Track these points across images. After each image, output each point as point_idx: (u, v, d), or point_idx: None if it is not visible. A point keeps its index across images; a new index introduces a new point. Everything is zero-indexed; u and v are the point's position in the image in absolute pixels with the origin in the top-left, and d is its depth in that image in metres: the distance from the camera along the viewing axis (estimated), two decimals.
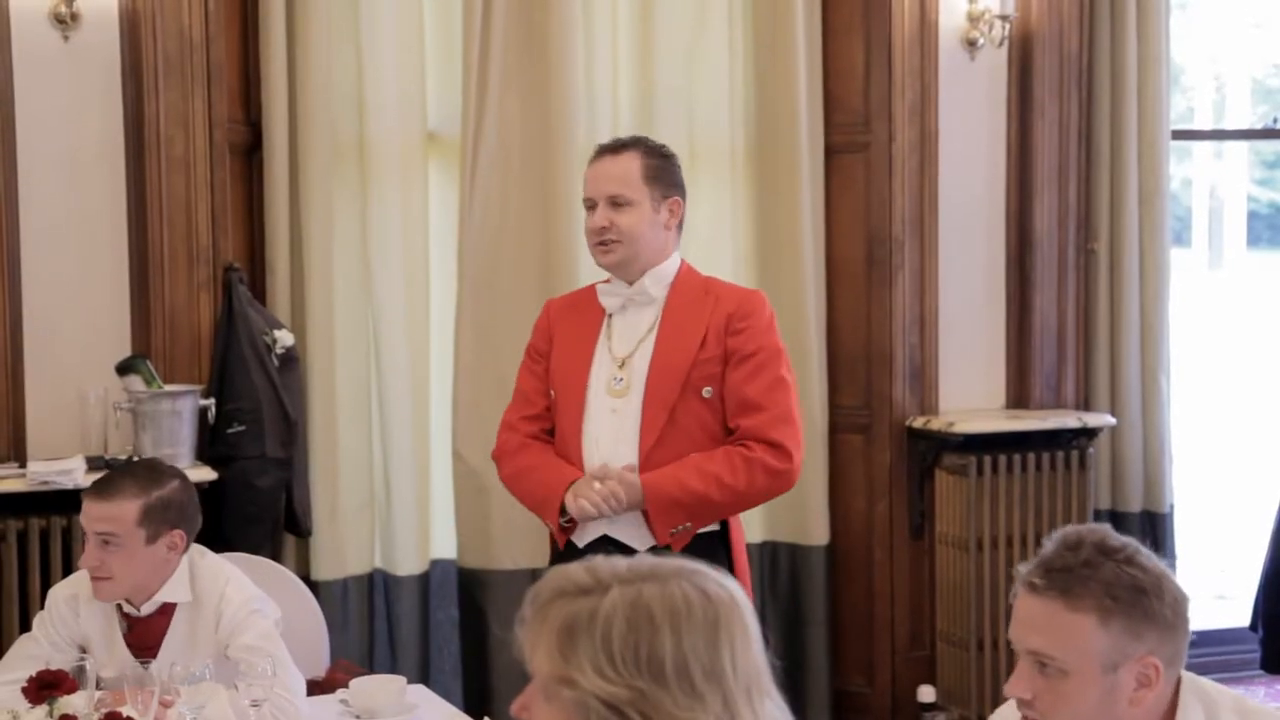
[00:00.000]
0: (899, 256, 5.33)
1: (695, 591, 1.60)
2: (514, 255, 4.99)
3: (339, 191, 4.90)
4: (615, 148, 3.48)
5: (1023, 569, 2.14)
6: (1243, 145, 7.07)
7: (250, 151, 4.86)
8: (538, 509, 3.49)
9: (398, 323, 5.00)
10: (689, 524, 3.33)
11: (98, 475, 4.23)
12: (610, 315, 3.49)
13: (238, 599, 3.17)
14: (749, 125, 5.32)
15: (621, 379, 3.41)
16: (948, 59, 5.35)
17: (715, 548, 3.36)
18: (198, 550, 3.26)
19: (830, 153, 5.38)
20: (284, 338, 4.61)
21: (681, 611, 1.58)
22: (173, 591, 3.17)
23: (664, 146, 3.54)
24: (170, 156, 4.54)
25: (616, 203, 3.40)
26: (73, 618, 3.20)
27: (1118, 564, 2.08)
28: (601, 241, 3.42)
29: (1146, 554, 2.12)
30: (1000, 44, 5.39)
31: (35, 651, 3.17)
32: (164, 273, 4.55)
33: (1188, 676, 2.18)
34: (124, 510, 3.09)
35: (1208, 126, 6.91)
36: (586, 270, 4.97)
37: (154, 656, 3.03)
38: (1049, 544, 2.15)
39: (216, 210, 4.60)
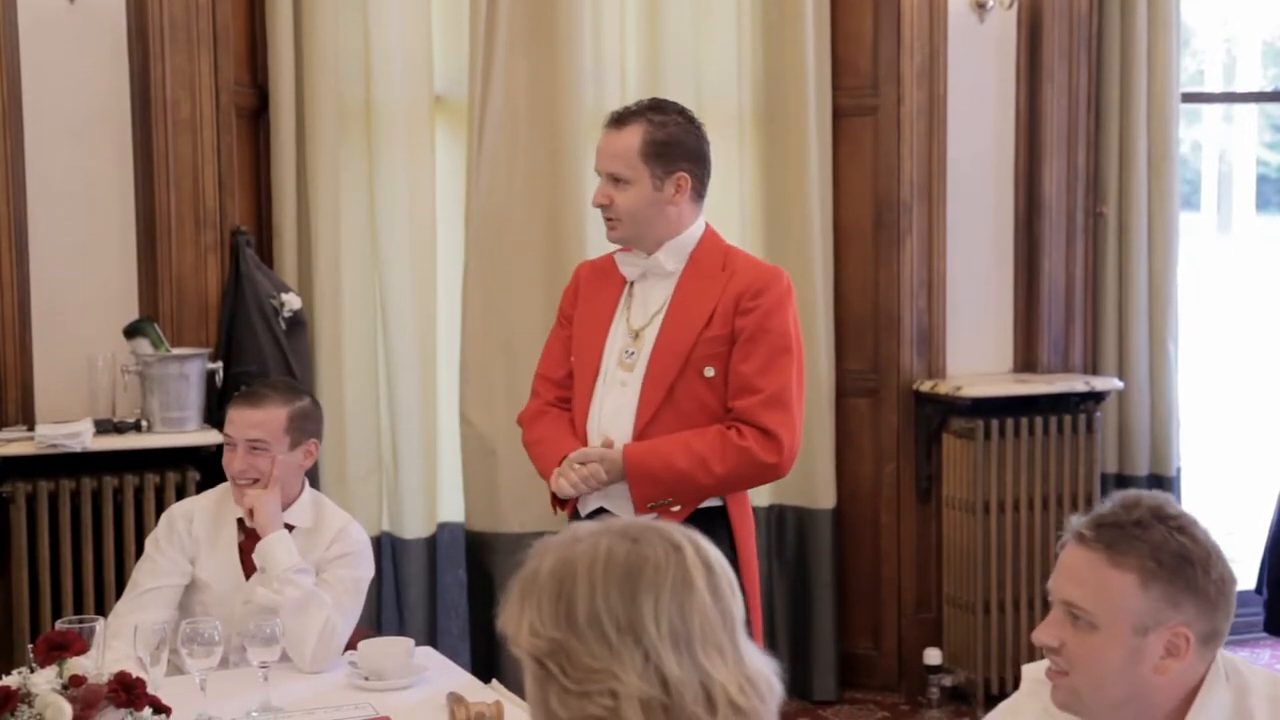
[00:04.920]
0: (907, 220, 5.32)
1: (623, 544, 1.59)
2: (521, 218, 4.99)
3: (346, 154, 4.89)
4: (620, 120, 3.36)
5: (1075, 521, 2.13)
6: (1253, 108, 7.03)
7: (257, 114, 4.85)
8: (545, 480, 3.47)
9: (405, 286, 4.99)
10: (673, 502, 3.27)
11: (105, 438, 4.28)
12: (631, 283, 3.44)
13: (356, 537, 3.46)
14: (757, 88, 5.31)
15: (633, 352, 3.37)
16: (957, 22, 5.33)
17: (714, 521, 3.30)
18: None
19: (838, 116, 5.36)
20: (291, 301, 4.62)
21: (599, 563, 1.57)
22: (295, 515, 3.42)
23: (676, 116, 3.37)
24: (177, 120, 4.53)
25: (615, 179, 3.33)
26: (186, 532, 3.42)
27: (1169, 530, 2.07)
28: (606, 218, 3.37)
29: (1203, 529, 2.10)
30: (1010, 6, 5.36)
31: (158, 564, 3.39)
32: (171, 236, 4.55)
33: (1225, 657, 2.15)
34: (273, 416, 3.38)
35: (1217, 89, 6.87)
36: (594, 233, 4.96)
37: None
38: (1106, 501, 2.14)
39: (223, 173, 4.60)
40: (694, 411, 3.31)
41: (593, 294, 3.47)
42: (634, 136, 3.32)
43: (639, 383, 3.34)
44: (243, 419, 3.40)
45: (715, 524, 3.30)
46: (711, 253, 3.39)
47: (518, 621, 1.59)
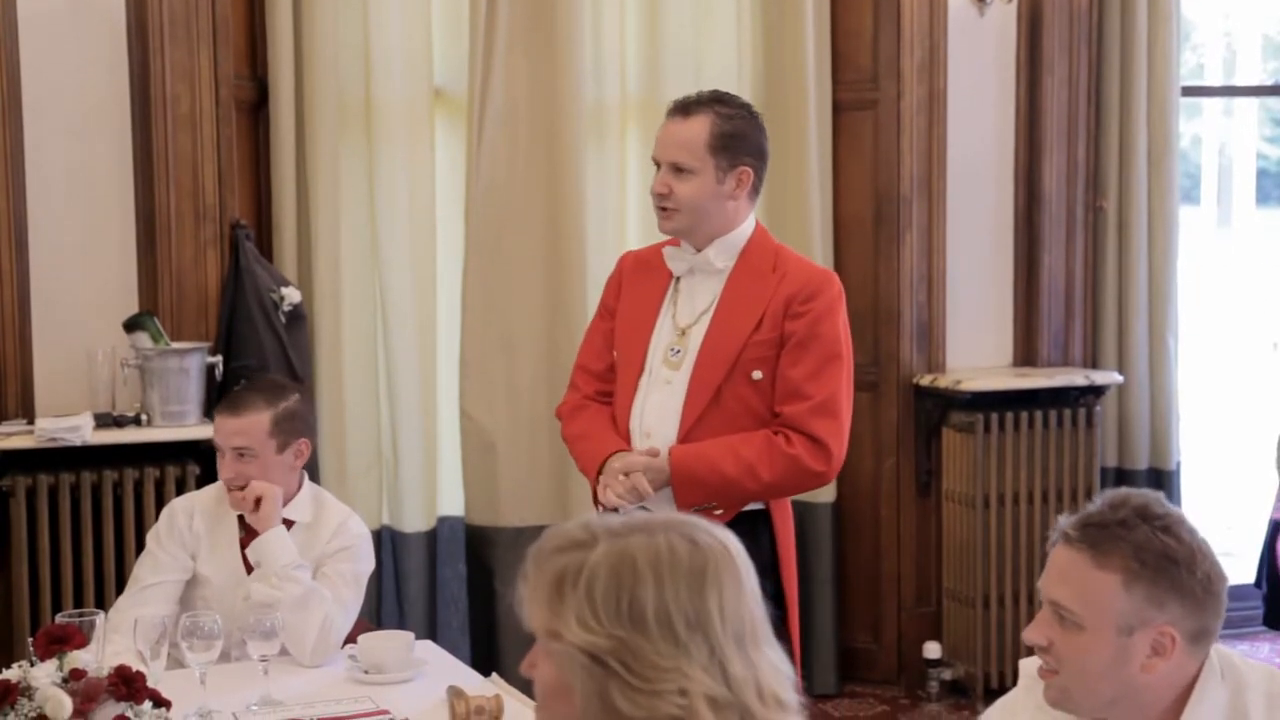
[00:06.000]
0: (907, 214, 5.32)
1: (682, 541, 1.59)
2: (521, 212, 4.98)
3: (345, 148, 4.89)
4: (685, 109, 3.30)
5: (1063, 520, 2.13)
6: (1253, 102, 7.03)
7: (257, 108, 4.84)
8: (587, 477, 3.41)
9: (404, 280, 4.99)
10: (716, 506, 3.21)
11: (105, 432, 4.28)
12: (678, 278, 3.37)
13: (356, 531, 3.45)
14: (757, 83, 5.30)
15: (679, 350, 3.30)
16: (957, 16, 5.32)
17: (757, 525, 3.28)
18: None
19: (838, 110, 5.36)
20: (291, 295, 4.61)
21: (665, 560, 1.57)
22: (295, 510, 3.41)
23: (741, 109, 3.33)
24: (176, 114, 4.53)
25: (678, 169, 3.26)
26: (187, 527, 3.42)
27: (1153, 530, 2.06)
28: (662, 207, 3.30)
29: (1190, 528, 2.10)
30: (1010, 1, 5.36)
31: (159, 559, 3.39)
32: (171, 230, 4.55)
33: (1221, 653, 2.15)
34: (256, 423, 3.34)
35: (1218, 83, 6.87)
36: (594, 228, 4.97)
37: None
38: (1095, 500, 2.14)
39: (223, 167, 4.59)
40: (740, 414, 3.26)
41: (637, 286, 3.41)
42: (701, 127, 3.26)
43: (685, 383, 3.28)
44: (225, 427, 3.38)
45: (758, 527, 3.27)
46: (761, 251, 3.33)
47: (555, 614, 1.58)
